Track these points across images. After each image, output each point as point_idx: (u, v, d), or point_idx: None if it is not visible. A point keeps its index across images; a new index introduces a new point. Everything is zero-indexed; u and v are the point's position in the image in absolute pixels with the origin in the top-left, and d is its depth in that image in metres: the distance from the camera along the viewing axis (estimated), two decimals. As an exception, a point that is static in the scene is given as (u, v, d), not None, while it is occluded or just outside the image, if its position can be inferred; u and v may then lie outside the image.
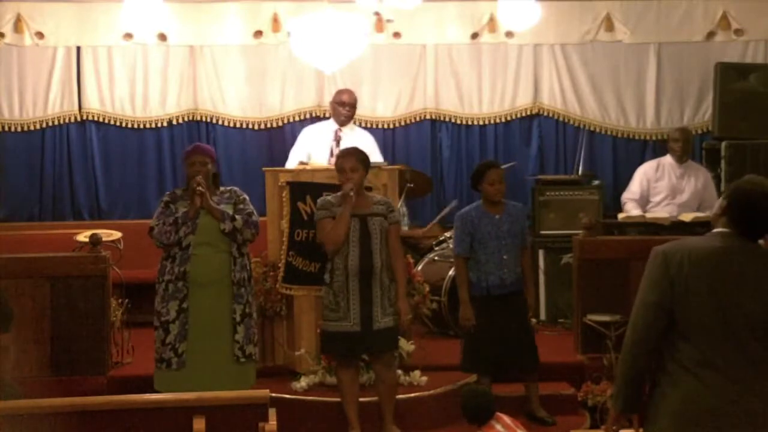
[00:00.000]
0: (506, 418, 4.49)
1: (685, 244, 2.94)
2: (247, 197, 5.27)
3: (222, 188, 5.28)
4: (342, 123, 6.70)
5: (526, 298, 5.44)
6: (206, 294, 5.04)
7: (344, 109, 6.68)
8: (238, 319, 5.08)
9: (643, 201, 7.13)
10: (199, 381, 4.85)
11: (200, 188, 5.02)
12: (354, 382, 5.07)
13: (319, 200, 5.10)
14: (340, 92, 6.83)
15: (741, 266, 2.86)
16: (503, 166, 7.31)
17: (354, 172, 4.96)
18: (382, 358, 5.03)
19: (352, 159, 5.01)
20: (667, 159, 7.13)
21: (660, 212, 6.84)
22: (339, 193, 5.00)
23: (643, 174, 7.17)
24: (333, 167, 5.70)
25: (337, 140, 6.62)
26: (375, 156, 6.32)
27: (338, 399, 5.13)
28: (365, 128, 7.86)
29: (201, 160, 5.14)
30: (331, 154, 6.47)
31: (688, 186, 7.05)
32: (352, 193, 4.91)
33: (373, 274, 4.92)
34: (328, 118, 7.02)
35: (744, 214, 2.90)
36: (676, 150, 7.05)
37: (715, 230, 2.96)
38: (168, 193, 5.34)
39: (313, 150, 6.59)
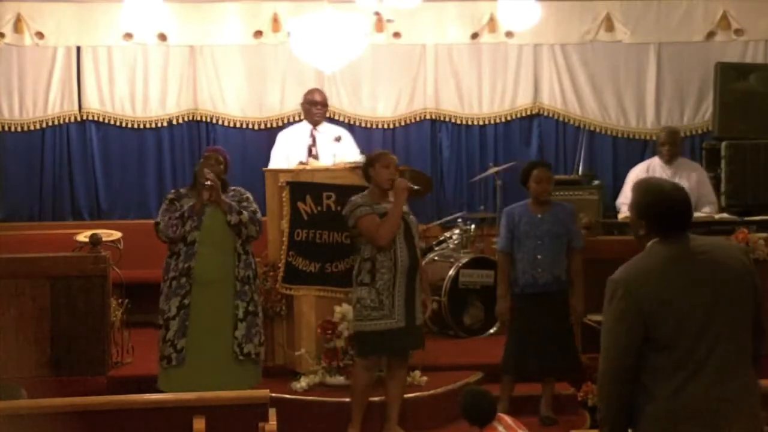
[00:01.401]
0: (508, 419, 4.44)
1: (637, 265, 2.92)
2: (251, 196, 5.29)
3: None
4: (316, 123, 6.64)
5: (568, 300, 5.36)
6: (209, 292, 5.04)
7: (317, 108, 6.64)
8: (240, 315, 5.09)
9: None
10: (200, 380, 4.84)
11: (209, 182, 5.02)
12: (371, 383, 5.02)
13: (352, 200, 4.98)
14: (311, 92, 6.77)
15: (704, 263, 2.84)
16: (503, 166, 7.39)
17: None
18: (403, 355, 5.03)
19: (393, 157, 5.04)
20: (657, 160, 7.03)
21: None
22: (394, 190, 4.97)
23: (634, 178, 7.11)
24: (333, 167, 5.73)
25: (313, 139, 6.58)
26: (353, 149, 6.34)
27: (338, 399, 5.13)
28: (365, 128, 7.88)
29: (215, 158, 5.20)
30: (309, 154, 6.45)
31: (682, 185, 6.96)
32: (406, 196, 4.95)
33: (418, 270, 4.96)
34: (329, 118, 7.00)
35: (665, 219, 2.89)
36: (663, 153, 6.90)
37: (649, 244, 2.93)
38: (172, 191, 5.36)
39: (291, 152, 6.52)
